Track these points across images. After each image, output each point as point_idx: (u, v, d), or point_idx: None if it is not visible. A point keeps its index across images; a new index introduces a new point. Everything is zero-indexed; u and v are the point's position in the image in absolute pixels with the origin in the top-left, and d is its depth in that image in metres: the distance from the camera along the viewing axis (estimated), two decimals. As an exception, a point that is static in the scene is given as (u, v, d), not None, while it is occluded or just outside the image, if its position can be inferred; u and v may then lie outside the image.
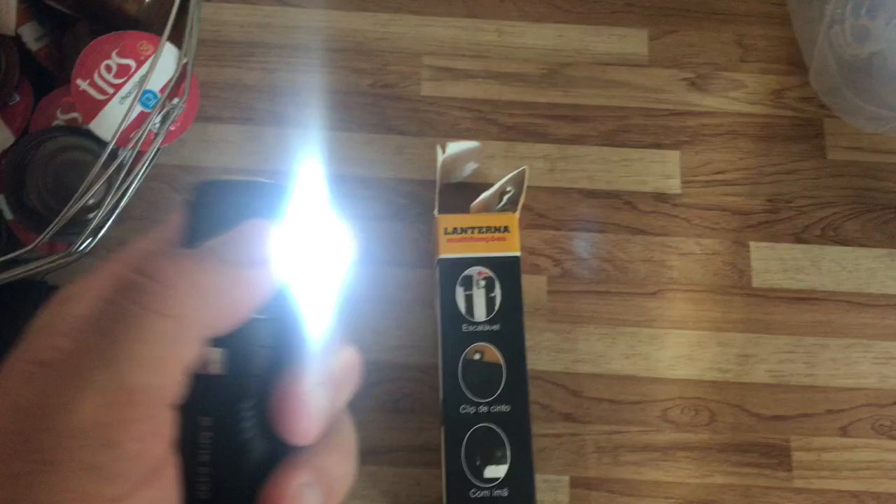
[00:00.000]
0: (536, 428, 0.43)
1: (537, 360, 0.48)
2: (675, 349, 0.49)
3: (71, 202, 0.40)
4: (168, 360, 0.19)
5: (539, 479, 0.42)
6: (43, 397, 0.18)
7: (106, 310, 0.19)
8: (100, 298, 0.21)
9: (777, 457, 0.47)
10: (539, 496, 0.45)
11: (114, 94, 0.43)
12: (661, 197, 0.52)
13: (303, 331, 0.24)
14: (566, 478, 0.47)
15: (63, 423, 0.17)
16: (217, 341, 0.22)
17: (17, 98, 0.46)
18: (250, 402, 0.23)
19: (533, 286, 0.50)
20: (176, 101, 0.44)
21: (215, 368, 0.22)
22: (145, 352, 0.18)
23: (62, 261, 0.44)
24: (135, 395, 0.18)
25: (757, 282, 0.51)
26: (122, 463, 0.18)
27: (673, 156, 0.53)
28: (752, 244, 0.51)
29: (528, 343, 0.43)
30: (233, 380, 0.23)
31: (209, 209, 0.24)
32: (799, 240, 0.52)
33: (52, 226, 0.39)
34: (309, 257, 0.23)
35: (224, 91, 0.53)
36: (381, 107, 0.53)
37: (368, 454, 0.46)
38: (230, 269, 0.21)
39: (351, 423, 0.24)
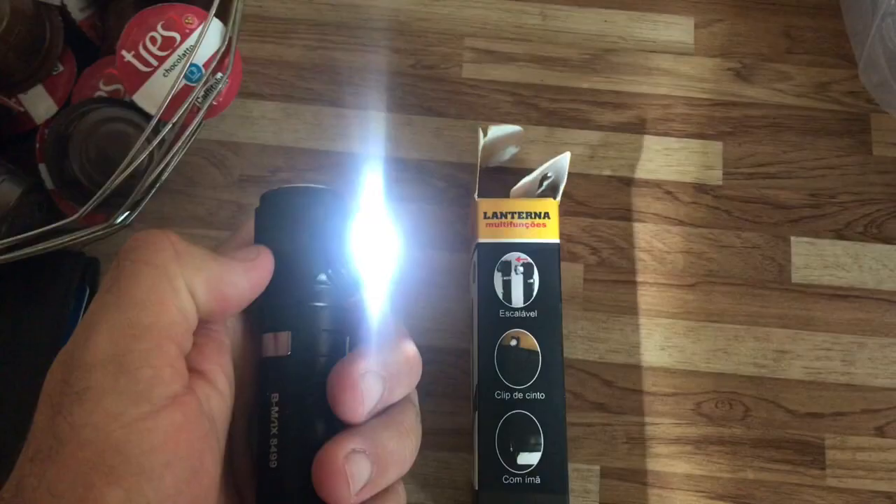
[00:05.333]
0: (568, 417, 0.43)
1: (571, 348, 0.48)
2: (711, 342, 0.49)
3: (115, 174, 0.40)
4: (161, 302, 0.22)
5: (569, 467, 0.42)
6: (70, 342, 0.21)
7: (111, 270, 0.22)
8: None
9: (811, 454, 0.47)
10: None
11: (158, 66, 0.43)
12: (702, 188, 0.51)
13: (363, 318, 0.26)
14: (597, 467, 0.47)
15: (84, 358, 0.20)
16: (284, 325, 0.25)
17: (61, 68, 0.46)
18: (315, 380, 0.24)
19: (569, 274, 0.49)
20: (220, 75, 0.44)
21: (283, 350, 0.25)
22: (141, 295, 0.21)
23: (102, 232, 0.44)
24: (138, 330, 0.21)
25: (796, 277, 0.50)
26: (139, 385, 0.20)
27: (715, 146, 0.52)
28: (793, 239, 0.51)
29: (563, 331, 0.43)
30: (298, 359, 0.25)
31: (275, 218, 0.26)
32: (841, 236, 0.51)
33: (96, 196, 0.39)
34: (366, 250, 0.26)
35: (265, 67, 0.52)
36: (422, 88, 0.53)
37: (399, 436, 0.46)
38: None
39: (416, 411, 0.26)
